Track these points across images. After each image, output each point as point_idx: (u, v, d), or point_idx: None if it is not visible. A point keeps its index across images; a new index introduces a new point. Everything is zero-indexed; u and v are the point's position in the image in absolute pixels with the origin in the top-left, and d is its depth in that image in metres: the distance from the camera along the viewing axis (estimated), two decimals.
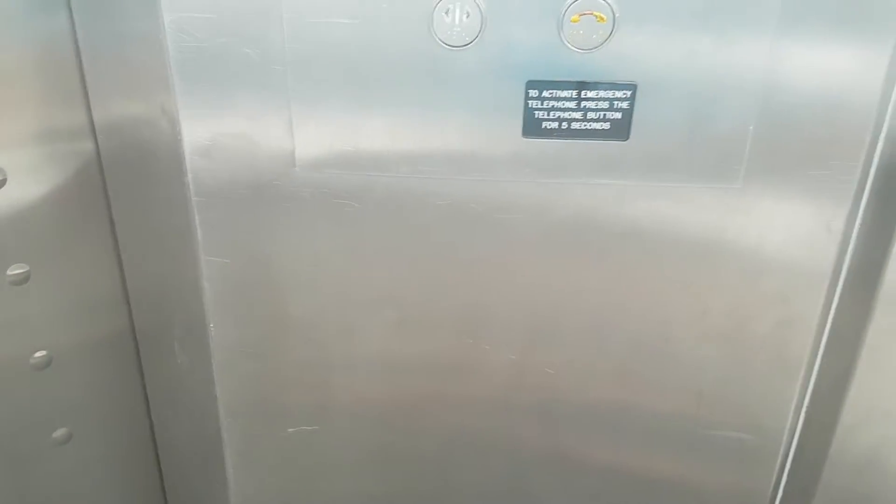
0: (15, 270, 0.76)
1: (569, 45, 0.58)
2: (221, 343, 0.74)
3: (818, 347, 0.71)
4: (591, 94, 0.60)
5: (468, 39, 0.58)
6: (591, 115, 0.61)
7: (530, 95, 0.60)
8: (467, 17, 0.57)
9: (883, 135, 0.61)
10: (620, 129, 0.61)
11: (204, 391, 0.78)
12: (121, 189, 0.75)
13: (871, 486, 0.77)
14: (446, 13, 0.57)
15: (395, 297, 0.72)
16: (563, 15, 0.57)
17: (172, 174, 0.67)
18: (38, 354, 0.81)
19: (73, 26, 0.67)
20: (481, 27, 0.58)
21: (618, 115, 0.61)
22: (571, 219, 0.66)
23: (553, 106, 0.60)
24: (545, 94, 0.60)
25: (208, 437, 0.81)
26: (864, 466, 0.76)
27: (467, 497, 0.83)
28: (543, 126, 0.61)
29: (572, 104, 0.60)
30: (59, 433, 0.87)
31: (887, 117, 0.60)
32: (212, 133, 0.63)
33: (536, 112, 0.61)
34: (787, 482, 0.78)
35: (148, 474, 0.95)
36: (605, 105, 0.60)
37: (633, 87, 0.59)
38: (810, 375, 0.72)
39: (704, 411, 0.75)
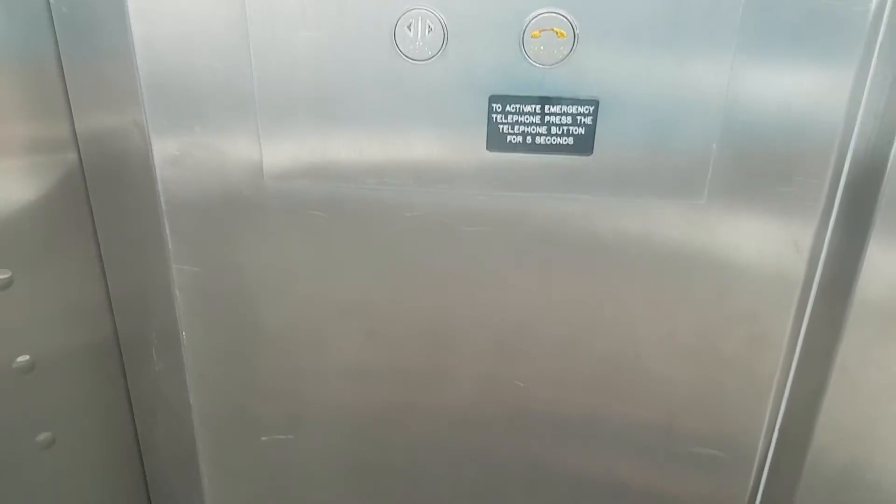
0: None
1: (531, 61, 0.58)
2: (194, 351, 0.75)
3: (790, 365, 0.70)
4: (553, 109, 0.60)
5: (431, 53, 0.59)
6: (554, 129, 0.61)
7: (494, 110, 0.60)
8: (429, 31, 0.58)
9: (850, 152, 0.61)
10: (584, 144, 0.61)
11: (179, 398, 0.79)
12: (101, 198, 0.76)
13: None
14: (409, 27, 0.58)
15: (365, 307, 0.72)
16: (524, 30, 0.57)
17: (145, 184, 0.68)
18: (21, 359, 0.82)
19: (55, 43, 0.69)
20: (444, 41, 0.58)
21: (581, 131, 0.61)
22: (538, 232, 0.66)
23: (517, 120, 0.61)
24: (508, 108, 0.60)
25: (185, 443, 0.82)
26: (839, 485, 0.75)
27: None
28: (508, 140, 0.62)
29: (536, 119, 0.61)
30: (43, 437, 0.88)
31: (854, 134, 0.60)
32: (180, 143, 0.64)
33: (501, 126, 0.61)
34: (761, 500, 0.78)
35: (132, 478, 0.96)
36: (569, 120, 0.60)
37: (595, 103, 0.59)
38: (783, 393, 0.72)
39: (677, 427, 0.74)
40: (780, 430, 0.74)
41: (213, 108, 0.63)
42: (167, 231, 0.68)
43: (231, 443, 0.81)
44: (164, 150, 0.64)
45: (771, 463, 0.76)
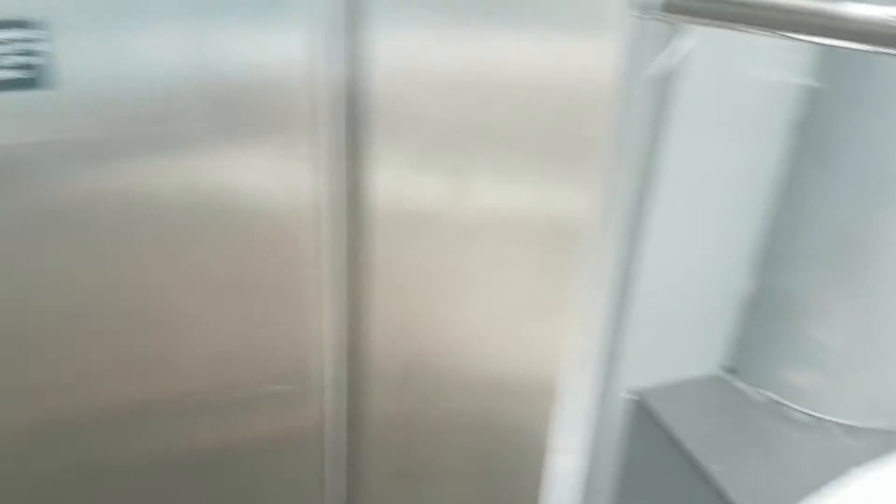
0: None
1: None
2: None
3: (334, 282, 0.71)
4: None
5: None
6: None
7: None
8: None
9: (333, 87, 0.62)
10: (41, 77, 0.52)
11: None
12: None
13: (415, 399, 0.81)
14: None
15: None
16: None
17: None
18: None
19: None
20: None
21: (34, 60, 0.51)
22: (26, 192, 0.56)
23: None
24: None
25: None
26: (405, 383, 0.80)
27: None
28: None
29: None
30: None
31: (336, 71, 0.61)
32: None
33: None
34: (348, 418, 0.80)
35: None
36: (11, 48, 0.50)
37: (41, 26, 0.50)
38: (336, 310, 0.73)
39: (242, 374, 0.71)
40: (346, 347, 0.75)
41: None
42: None
43: None
44: None
45: (346, 383, 0.77)
